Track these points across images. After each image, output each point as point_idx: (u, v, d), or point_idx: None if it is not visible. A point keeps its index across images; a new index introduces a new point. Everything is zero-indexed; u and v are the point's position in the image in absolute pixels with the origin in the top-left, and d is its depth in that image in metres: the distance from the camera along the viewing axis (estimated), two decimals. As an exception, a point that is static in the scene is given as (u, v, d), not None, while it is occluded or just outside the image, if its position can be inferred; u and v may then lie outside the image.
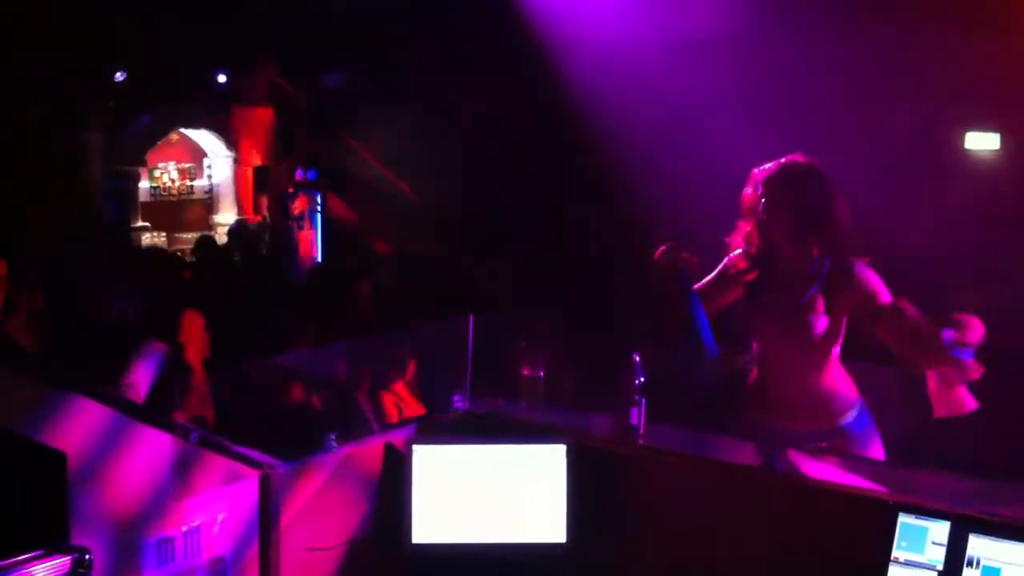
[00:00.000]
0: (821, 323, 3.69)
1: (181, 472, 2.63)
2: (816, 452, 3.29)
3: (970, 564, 2.54)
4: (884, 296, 3.62)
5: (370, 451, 3.26)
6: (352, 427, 3.38)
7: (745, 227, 3.81)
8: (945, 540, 2.57)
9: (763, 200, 3.70)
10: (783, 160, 3.74)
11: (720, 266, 3.89)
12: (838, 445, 3.61)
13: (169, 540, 2.62)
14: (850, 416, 3.71)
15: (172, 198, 18.31)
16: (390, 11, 12.39)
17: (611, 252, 10.37)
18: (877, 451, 3.71)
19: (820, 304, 3.68)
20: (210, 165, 18.38)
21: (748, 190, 3.78)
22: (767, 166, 3.75)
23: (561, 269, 9.85)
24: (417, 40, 12.45)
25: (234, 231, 12.42)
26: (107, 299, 5.82)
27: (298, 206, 14.43)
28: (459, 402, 3.60)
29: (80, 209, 12.91)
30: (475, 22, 11.48)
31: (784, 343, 3.74)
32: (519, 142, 12.28)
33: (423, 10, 11.95)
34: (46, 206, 11.06)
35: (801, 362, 3.71)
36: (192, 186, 18.53)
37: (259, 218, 16.68)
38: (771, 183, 3.70)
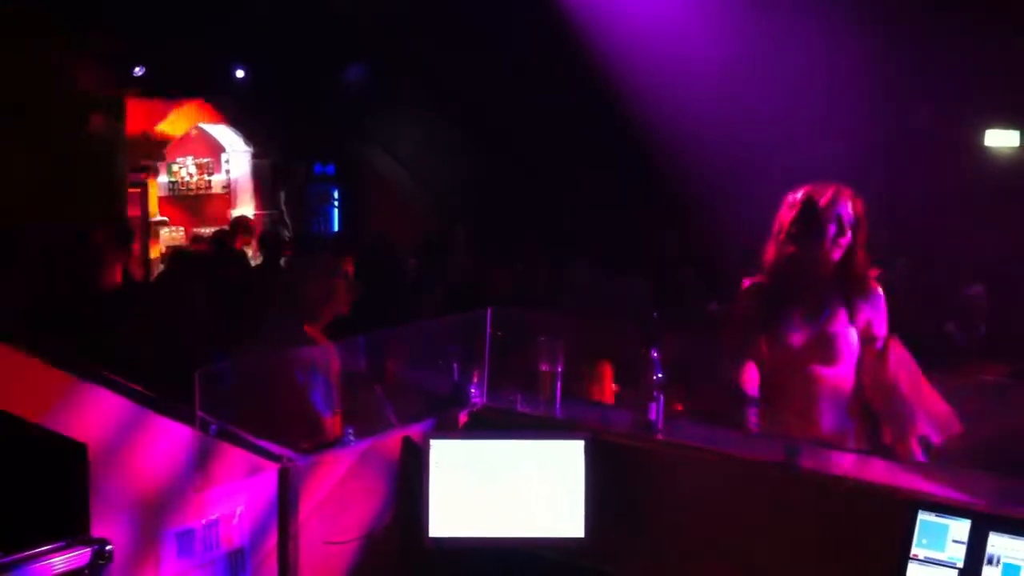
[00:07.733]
0: (844, 334, 3.72)
1: (201, 464, 2.64)
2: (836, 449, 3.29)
3: (990, 562, 2.52)
4: (882, 326, 3.74)
5: (388, 445, 3.27)
6: (370, 421, 3.37)
7: (776, 245, 3.82)
8: (965, 538, 2.56)
9: (803, 220, 3.74)
10: (821, 184, 3.78)
11: (740, 316, 3.90)
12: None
13: (188, 532, 2.63)
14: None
15: (190, 193, 18.30)
16: (413, 3, 12.36)
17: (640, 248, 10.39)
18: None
19: (843, 315, 3.74)
20: (228, 160, 18.40)
21: (786, 211, 3.80)
22: (804, 189, 3.80)
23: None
24: (440, 34, 12.43)
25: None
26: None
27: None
28: (477, 396, 3.60)
29: (105, 203, 12.98)
30: (498, 16, 11.46)
31: (807, 355, 3.75)
32: (542, 138, 12.26)
33: (445, 4, 11.92)
34: (71, 200, 11.12)
35: (825, 373, 3.72)
36: (210, 181, 18.52)
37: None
38: (813, 205, 3.74)
